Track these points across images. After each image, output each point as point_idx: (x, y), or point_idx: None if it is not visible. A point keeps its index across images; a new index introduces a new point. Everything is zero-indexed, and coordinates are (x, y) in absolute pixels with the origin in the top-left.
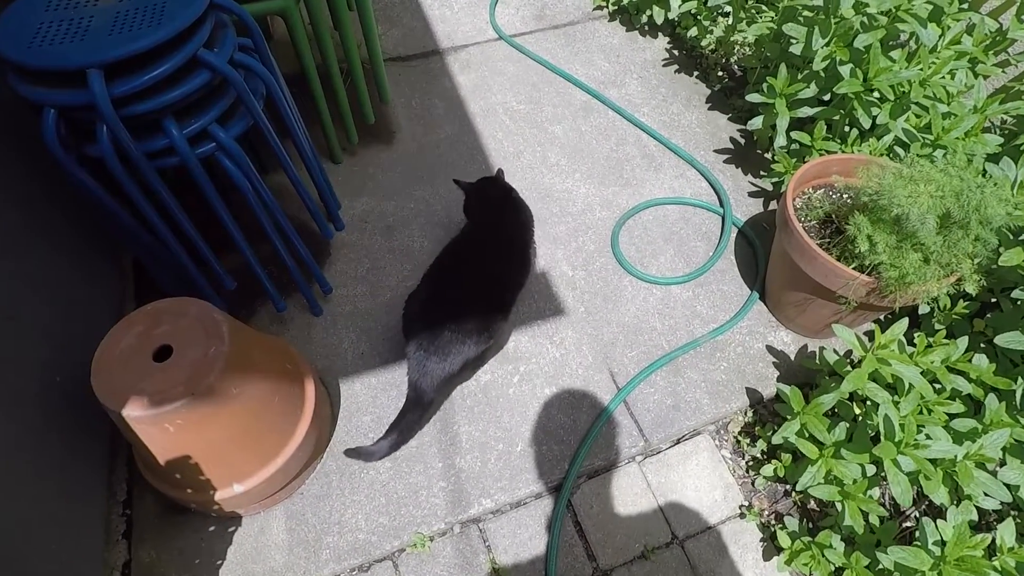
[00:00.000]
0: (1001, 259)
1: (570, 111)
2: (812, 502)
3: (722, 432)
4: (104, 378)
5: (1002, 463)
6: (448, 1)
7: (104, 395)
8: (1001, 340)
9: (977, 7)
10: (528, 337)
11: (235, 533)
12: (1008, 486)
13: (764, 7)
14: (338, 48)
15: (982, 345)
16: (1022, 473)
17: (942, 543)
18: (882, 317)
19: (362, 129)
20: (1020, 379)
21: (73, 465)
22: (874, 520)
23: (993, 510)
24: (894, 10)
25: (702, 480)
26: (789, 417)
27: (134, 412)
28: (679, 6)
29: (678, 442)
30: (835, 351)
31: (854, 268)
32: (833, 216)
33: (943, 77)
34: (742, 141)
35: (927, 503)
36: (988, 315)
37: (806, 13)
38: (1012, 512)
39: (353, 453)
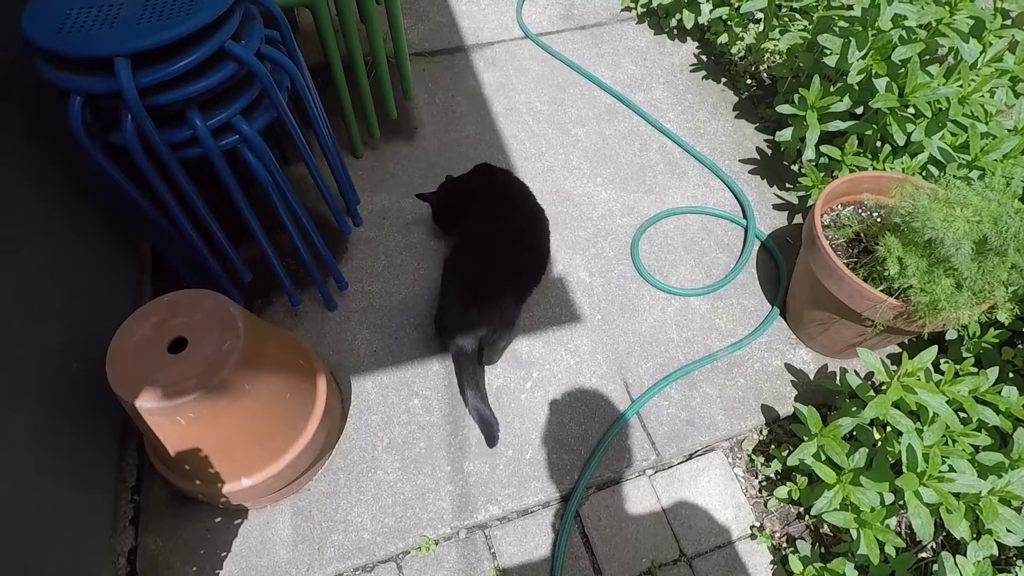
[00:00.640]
0: None
1: (594, 114)
2: (825, 526)
3: (736, 450)
4: (119, 367)
5: None
6: None
7: (118, 384)
8: None
9: (1021, 24)
10: (543, 343)
11: (241, 526)
12: None
13: (797, 15)
14: (363, 41)
15: (1010, 375)
16: None
17: None
18: (905, 340)
19: (384, 124)
20: None
21: (84, 449)
22: (890, 550)
23: (1014, 546)
24: (935, 23)
25: (713, 498)
26: (806, 438)
27: (147, 403)
28: (709, 11)
29: (690, 457)
30: (856, 372)
31: (881, 290)
32: (862, 235)
33: (983, 95)
34: (768, 152)
35: (944, 534)
36: (1020, 344)
37: (842, 24)
38: None
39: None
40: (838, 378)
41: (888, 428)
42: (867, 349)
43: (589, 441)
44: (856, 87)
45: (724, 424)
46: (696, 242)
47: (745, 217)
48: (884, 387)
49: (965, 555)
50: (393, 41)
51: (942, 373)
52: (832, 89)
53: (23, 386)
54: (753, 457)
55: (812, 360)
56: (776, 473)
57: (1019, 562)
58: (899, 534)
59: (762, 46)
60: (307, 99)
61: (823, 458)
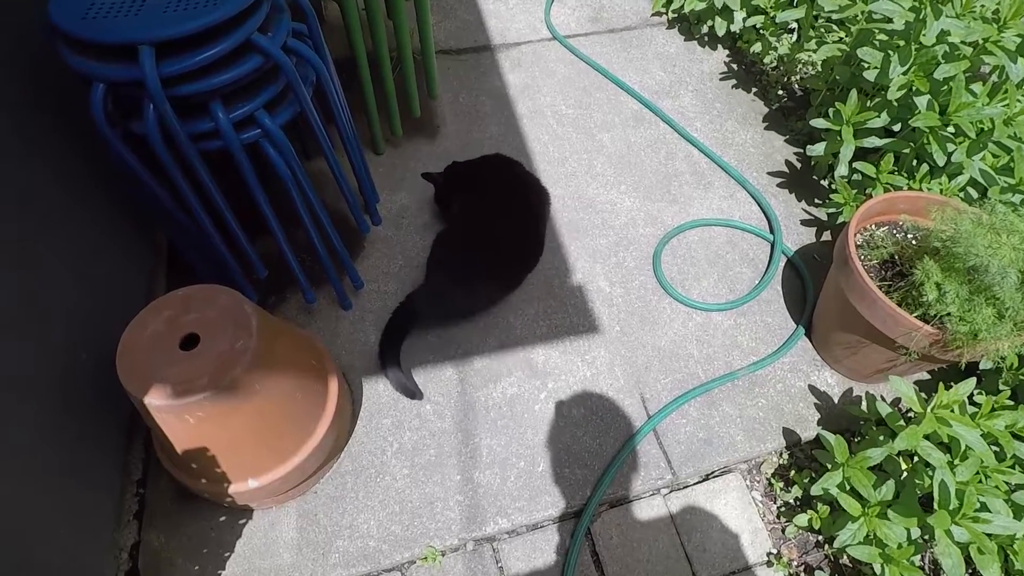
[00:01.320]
0: None
1: (620, 119)
2: (845, 556)
3: (754, 472)
4: (129, 361)
5: None
6: None
7: (127, 379)
8: None
9: None
10: (559, 352)
11: (245, 526)
12: None
13: (834, 27)
14: (390, 37)
15: None
16: None
17: None
18: (935, 367)
19: (406, 121)
20: None
21: (90, 441)
22: None
23: None
24: (981, 41)
25: (729, 521)
26: (830, 467)
27: (156, 400)
28: (743, 19)
29: (707, 478)
30: (882, 398)
31: (916, 316)
32: (896, 257)
33: None
34: (798, 165)
35: (971, 571)
36: None
37: (881, 37)
38: None
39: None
40: (864, 404)
41: (916, 458)
42: (898, 376)
43: (603, 456)
44: (895, 103)
45: (743, 445)
46: (720, 255)
47: (772, 232)
48: (912, 416)
49: None
50: (420, 37)
51: (976, 405)
52: (869, 104)
53: (31, 375)
54: (772, 481)
55: (837, 383)
56: (796, 499)
57: None
58: (922, 569)
59: (796, 56)
60: (331, 94)
61: (847, 488)
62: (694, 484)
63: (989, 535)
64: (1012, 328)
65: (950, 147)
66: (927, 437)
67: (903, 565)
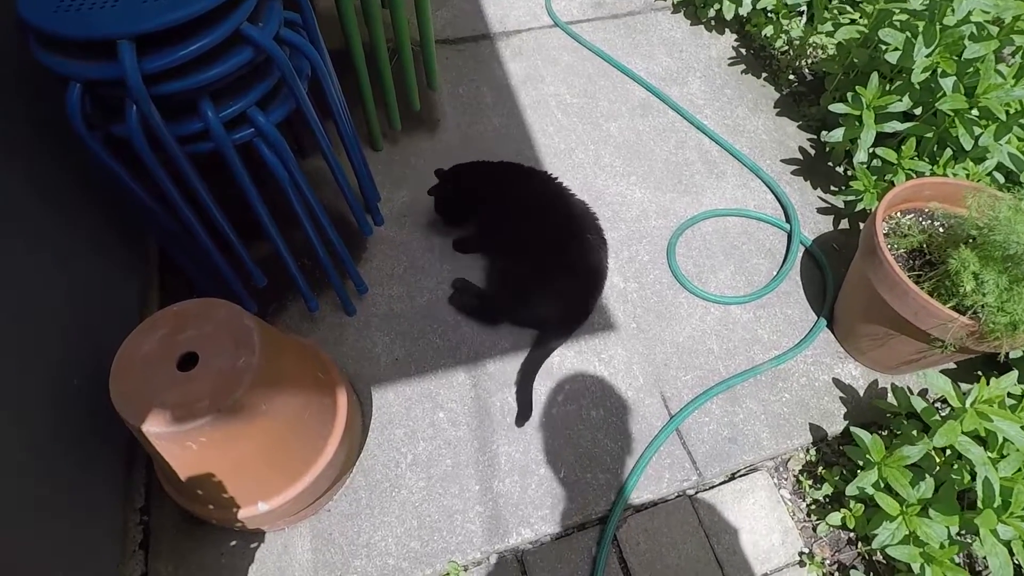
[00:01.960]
0: None
1: (627, 108)
2: (879, 553)
3: (781, 470)
4: (123, 386)
5: None
6: None
7: (122, 406)
8: None
9: None
10: (575, 352)
11: (257, 550)
12: None
13: (848, 8)
14: (386, 26)
15: None
16: None
17: None
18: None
19: (405, 115)
20: None
21: (87, 471)
22: None
23: None
24: (1009, 20)
25: (759, 521)
26: (864, 465)
27: (154, 428)
28: (752, 1)
29: (733, 477)
30: (908, 389)
31: (950, 307)
32: (924, 246)
33: None
34: (812, 152)
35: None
36: None
37: (902, 17)
38: None
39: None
40: (893, 397)
41: (948, 453)
42: (931, 369)
43: (625, 459)
44: (917, 86)
45: (769, 443)
46: (736, 246)
47: (788, 221)
48: (947, 409)
49: None
50: (419, 26)
51: (1013, 397)
52: (889, 88)
53: (19, 404)
54: (800, 478)
55: (861, 375)
56: (826, 497)
57: None
58: (960, 566)
59: (810, 39)
60: (328, 88)
61: (882, 486)
62: (720, 484)
63: None
64: None
65: (976, 131)
66: (963, 432)
67: (946, 565)
